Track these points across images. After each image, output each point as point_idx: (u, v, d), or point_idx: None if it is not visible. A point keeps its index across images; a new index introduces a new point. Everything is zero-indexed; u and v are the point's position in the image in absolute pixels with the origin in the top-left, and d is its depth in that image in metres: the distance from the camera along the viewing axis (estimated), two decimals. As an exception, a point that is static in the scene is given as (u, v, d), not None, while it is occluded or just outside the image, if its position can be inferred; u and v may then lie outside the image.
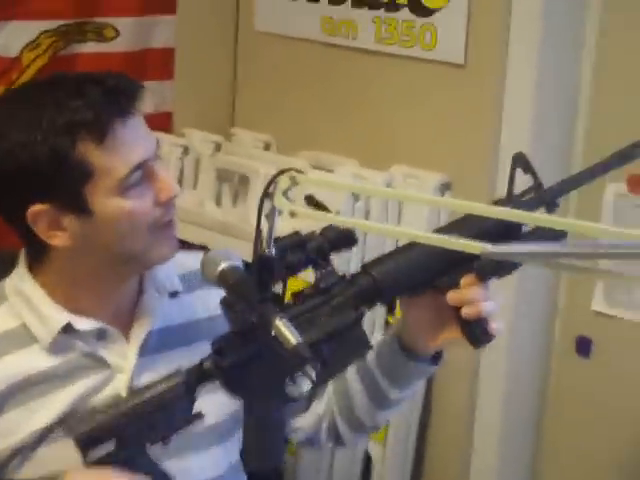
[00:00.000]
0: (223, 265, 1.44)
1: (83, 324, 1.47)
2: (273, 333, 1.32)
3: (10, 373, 1.44)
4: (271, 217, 1.36)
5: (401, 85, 2.47)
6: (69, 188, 1.40)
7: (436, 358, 1.52)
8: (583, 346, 2.29)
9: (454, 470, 2.45)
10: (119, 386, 1.49)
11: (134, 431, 1.36)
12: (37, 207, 1.40)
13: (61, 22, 2.46)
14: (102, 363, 1.49)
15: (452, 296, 1.38)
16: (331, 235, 1.37)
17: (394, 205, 2.35)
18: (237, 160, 2.63)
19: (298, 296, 1.40)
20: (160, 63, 2.70)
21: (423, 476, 2.51)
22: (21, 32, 2.41)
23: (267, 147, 2.77)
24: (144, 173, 1.42)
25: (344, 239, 1.38)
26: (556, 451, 2.40)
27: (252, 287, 1.38)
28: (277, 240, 1.35)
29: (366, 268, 1.40)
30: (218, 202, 2.68)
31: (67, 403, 1.45)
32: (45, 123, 1.39)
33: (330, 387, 1.63)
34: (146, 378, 1.49)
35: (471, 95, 2.30)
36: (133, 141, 1.40)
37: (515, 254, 1.10)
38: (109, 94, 1.39)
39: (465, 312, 1.38)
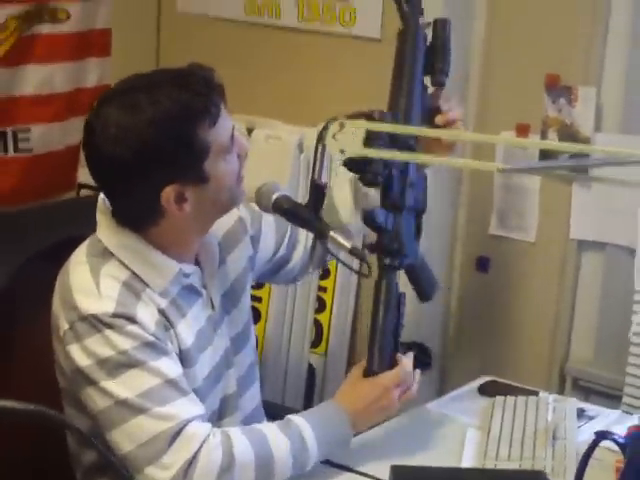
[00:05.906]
0: (276, 195, 1.90)
1: (188, 268, 1.78)
2: (329, 242, 1.81)
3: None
4: (321, 154, 1.83)
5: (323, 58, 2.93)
6: (194, 166, 1.68)
7: None
8: (482, 264, 2.86)
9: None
10: (208, 307, 1.83)
11: None
12: (168, 188, 1.66)
13: (24, 7, 2.79)
14: (194, 293, 1.80)
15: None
16: None
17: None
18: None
19: None
20: (101, 42, 3.05)
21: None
22: (-7, 17, 2.72)
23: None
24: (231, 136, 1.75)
25: None
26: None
27: (303, 209, 1.85)
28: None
29: None
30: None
31: (191, 332, 1.76)
32: (165, 117, 1.63)
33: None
34: (217, 293, 1.88)
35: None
36: (226, 115, 1.73)
37: (523, 169, 1.63)
38: (208, 84, 1.68)
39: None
